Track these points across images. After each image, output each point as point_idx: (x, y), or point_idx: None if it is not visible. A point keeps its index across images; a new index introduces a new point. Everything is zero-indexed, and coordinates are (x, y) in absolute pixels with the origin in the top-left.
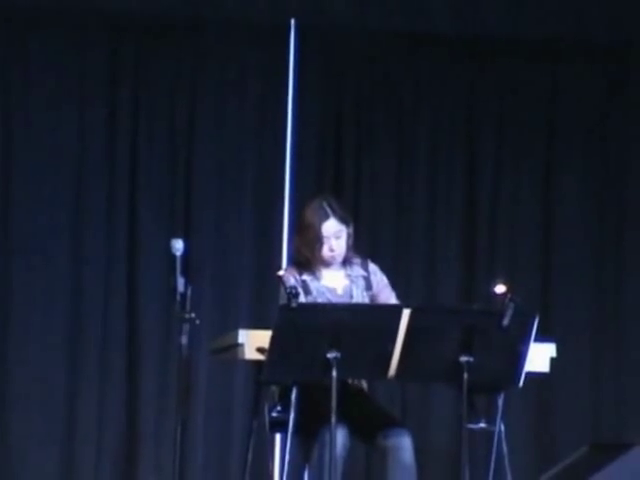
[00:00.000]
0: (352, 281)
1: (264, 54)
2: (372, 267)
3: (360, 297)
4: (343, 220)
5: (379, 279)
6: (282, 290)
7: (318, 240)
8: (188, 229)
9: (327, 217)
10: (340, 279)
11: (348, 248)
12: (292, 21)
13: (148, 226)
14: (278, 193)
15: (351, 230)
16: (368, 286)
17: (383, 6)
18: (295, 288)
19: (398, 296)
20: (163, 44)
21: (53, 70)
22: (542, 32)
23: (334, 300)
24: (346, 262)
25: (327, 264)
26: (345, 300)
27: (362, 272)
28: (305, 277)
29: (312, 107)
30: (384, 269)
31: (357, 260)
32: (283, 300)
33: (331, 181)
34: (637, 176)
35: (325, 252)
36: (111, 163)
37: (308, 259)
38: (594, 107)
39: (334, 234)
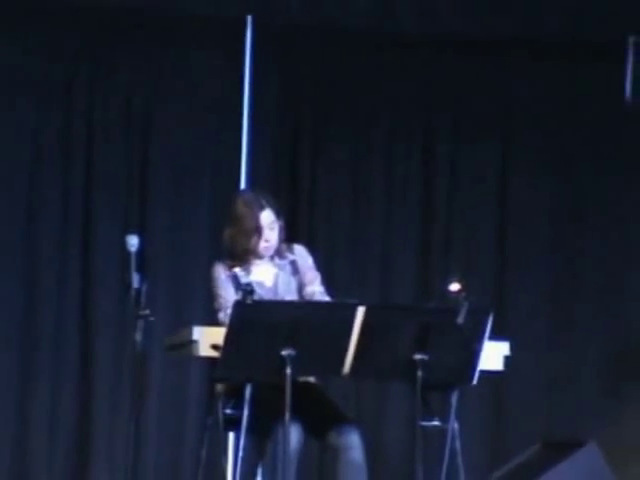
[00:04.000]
0: (280, 268)
1: (220, 51)
2: (298, 249)
3: (287, 284)
4: (277, 212)
5: (304, 261)
6: (215, 282)
7: (256, 230)
8: (143, 225)
9: (263, 208)
10: (269, 270)
11: (280, 241)
12: (249, 18)
13: (103, 222)
14: (233, 190)
15: (282, 223)
16: (295, 270)
17: (340, 4)
18: (250, 285)
19: (323, 279)
20: (119, 41)
21: (6, 68)
22: (497, 31)
23: (262, 294)
24: (275, 255)
25: (259, 256)
26: (272, 292)
27: (290, 257)
28: (236, 271)
29: (268, 105)
30: (340, 267)
31: (284, 247)
32: (216, 293)
33: (287, 178)
34: (592, 175)
35: (261, 243)
36: (66, 159)
37: (245, 250)
38: (549, 106)
39: (269, 225)
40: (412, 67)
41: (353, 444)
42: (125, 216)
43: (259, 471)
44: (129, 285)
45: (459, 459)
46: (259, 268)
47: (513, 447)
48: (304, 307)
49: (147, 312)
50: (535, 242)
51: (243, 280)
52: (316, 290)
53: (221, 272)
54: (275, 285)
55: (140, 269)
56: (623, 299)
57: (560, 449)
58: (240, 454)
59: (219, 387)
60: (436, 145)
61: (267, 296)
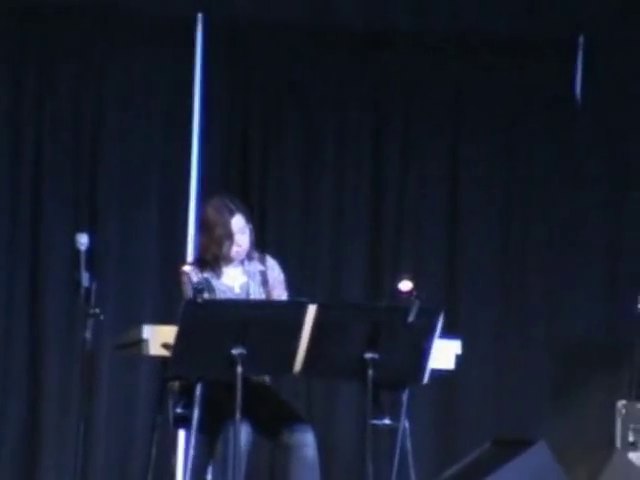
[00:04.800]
0: (250, 277)
1: (171, 49)
2: (270, 262)
3: (257, 293)
4: (247, 216)
5: (276, 275)
6: (185, 286)
7: (228, 236)
8: (93, 223)
9: (233, 213)
10: (238, 276)
11: (251, 244)
12: (199, 16)
13: (52, 220)
14: (183, 188)
15: (252, 226)
16: (264, 281)
17: (290, 2)
18: (201, 284)
19: (292, 296)
20: (68, 40)
21: None
22: (447, 28)
23: (232, 297)
24: (246, 258)
25: (231, 260)
26: (242, 297)
27: (260, 267)
28: (206, 275)
29: (219, 104)
30: (291, 266)
31: (256, 255)
32: (187, 296)
33: (237, 176)
34: (541, 174)
35: (233, 248)
36: (15, 156)
37: (216, 256)
38: (500, 102)
39: (240, 230)
40: (361, 65)
41: (306, 442)
42: (75, 214)
43: (209, 470)
44: (79, 284)
45: (410, 458)
46: (229, 272)
47: (463, 446)
48: (254, 306)
49: (97, 311)
50: (484, 241)
51: (213, 283)
52: None
53: (193, 275)
54: (245, 293)
55: (90, 268)
56: (570, 300)
57: (509, 448)
58: (190, 453)
59: (175, 385)
60: (386, 145)
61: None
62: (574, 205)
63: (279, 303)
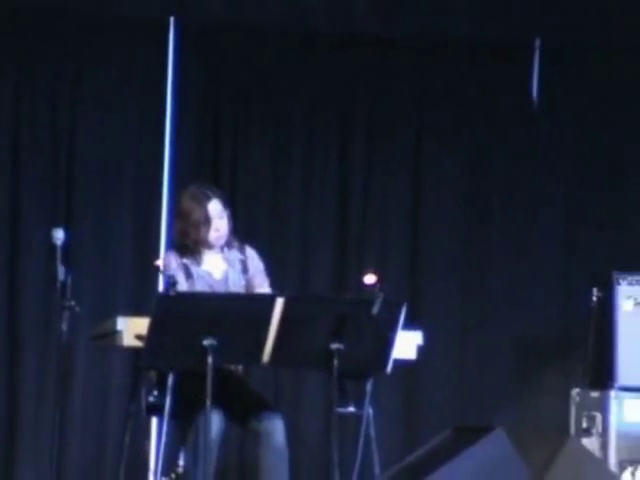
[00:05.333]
0: (230, 264)
1: (144, 49)
2: (249, 252)
3: (237, 280)
4: (224, 201)
5: (256, 264)
6: (161, 278)
7: (206, 221)
8: (69, 218)
9: (210, 198)
10: (219, 263)
11: (230, 230)
12: (171, 20)
13: (29, 215)
14: (157, 183)
15: (229, 212)
16: (244, 269)
17: (261, 6)
18: (173, 277)
19: (272, 282)
20: (42, 41)
21: None
22: (410, 31)
23: (213, 284)
24: (225, 245)
25: (211, 246)
26: (223, 284)
27: (240, 256)
28: (186, 261)
29: (191, 104)
30: (259, 257)
31: (236, 244)
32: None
33: (209, 175)
34: (501, 174)
35: (211, 232)
36: None
37: (196, 241)
38: (460, 104)
39: (218, 214)
40: (328, 67)
41: (275, 429)
42: (51, 209)
43: (181, 456)
44: (55, 278)
45: (373, 444)
46: (209, 259)
47: (425, 433)
48: (225, 298)
49: (72, 303)
50: (446, 238)
51: (192, 269)
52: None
53: (172, 261)
54: (225, 280)
55: (65, 261)
56: (528, 294)
57: (470, 434)
58: (163, 440)
59: (152, 374)
60: (351, 144)
61: (217, 287)
62: (531, 204)
63: (248, 296)
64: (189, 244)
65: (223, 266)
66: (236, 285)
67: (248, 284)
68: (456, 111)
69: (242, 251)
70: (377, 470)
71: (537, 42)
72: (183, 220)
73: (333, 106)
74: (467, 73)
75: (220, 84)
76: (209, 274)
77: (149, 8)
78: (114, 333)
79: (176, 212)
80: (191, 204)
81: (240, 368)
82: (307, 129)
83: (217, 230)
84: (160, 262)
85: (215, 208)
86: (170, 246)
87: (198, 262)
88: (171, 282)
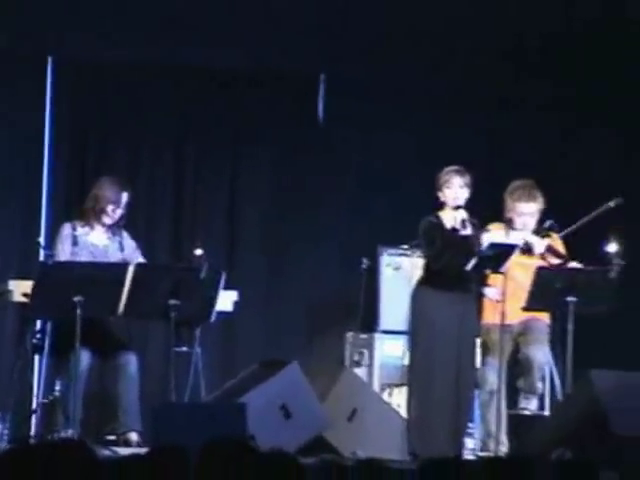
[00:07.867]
0: (111, 241)
1: (22, 86)
2: (124, 234)
3: (115, 252)
4: (128, 201)
5: (130, 243)
6: (57, 239)
7: (116, 202)
8: None
9: (126, 189)
10: (103, 239)
11: (120, 218)
12: (49, 59)
13: None
14: (36, 201)
15: (124, 212)
16: (121, 248)
17: (131, 44)
18: (52, 256)
19: (143, 254)
20: None
21: None
22: (225, 63)
23: (95, 252)
24: (109, 228)
25: (104, 223)
26: (103, 254)
27: (118, 238)
28: (78, 232)
29: (65, 128)
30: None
31: (117, 229)
32: (57, 252)
33: (76, 183)
34: (303, 181)
35: (112, 215)
36: None
37: (102, 210)
38: (266, 127)
39: (124, 204)
40: (167, 97)
41: (129, 362)
42: None
43: (57, 384)
44: None
45: (201, 376)
46: (97, 232)
47: (240, 367)
48: (90, 266)
49: None
50: (257, 221)
51: (80, 240)
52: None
53: (65, 230)
54: (106, 252)
55: None
56: (316, 263)
57: (271, 367)
58: (43, 372)
59: (35, 323)
60: (187, 154)
61: (99, 254)
62: (328, 206)
63: (107, 264)
64: (95, 212)
65: (106, 241)
66: (114, 257)
67: (124, 258)
68: (264, 130)
69: (120, 234)
70: (203, 393)
71: (322, 76)
72: (100, 190)
73: (168, 130)
74: (267, 100)
75: (91, 118)
76: (94, 245)
77: (30, 46)
78: (6, 292)
79: (96, 186)
80: (112, 185)
81: (112, 317)
82: (152, 145)
83: (115, 213)
84: (41, 240)
85: (125, 198)
86: (72, 217)
87: (87, 234)
88: (50, 254)
